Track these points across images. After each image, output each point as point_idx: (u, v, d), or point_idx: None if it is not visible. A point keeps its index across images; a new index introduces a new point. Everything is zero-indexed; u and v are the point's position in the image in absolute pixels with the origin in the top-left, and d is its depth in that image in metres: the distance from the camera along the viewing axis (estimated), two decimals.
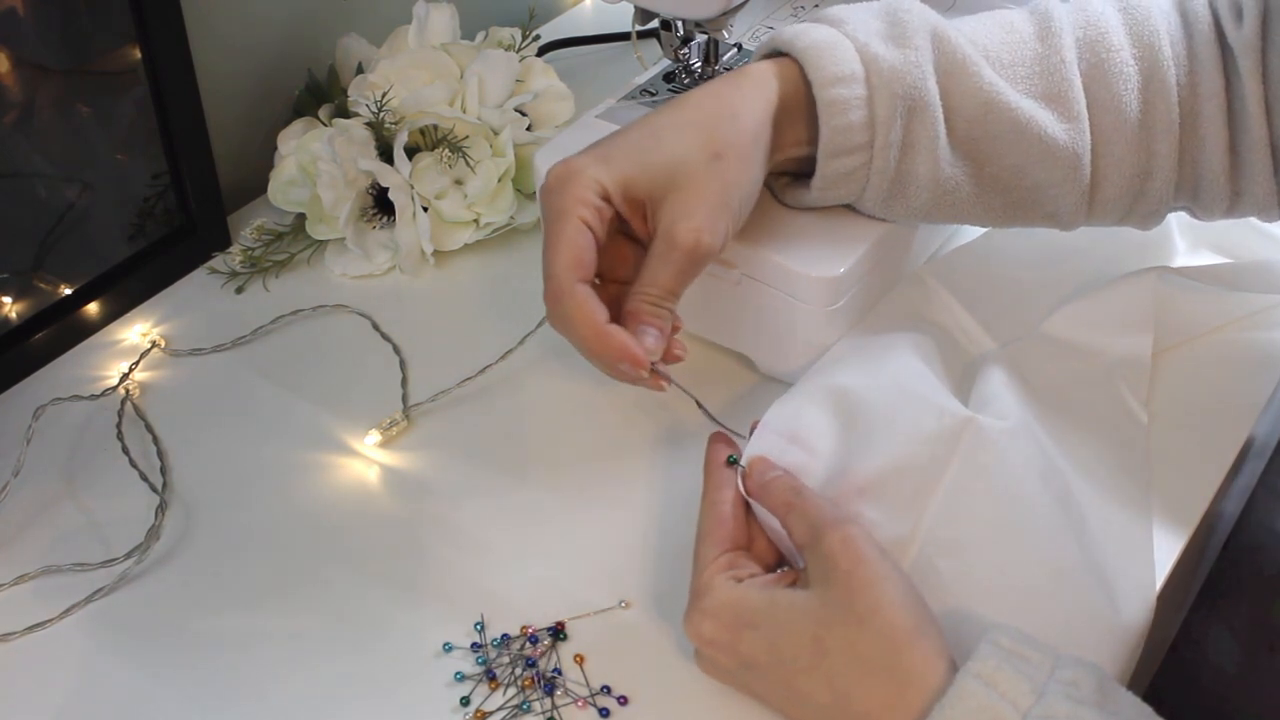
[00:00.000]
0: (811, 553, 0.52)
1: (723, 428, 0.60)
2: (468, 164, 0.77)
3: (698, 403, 0.61)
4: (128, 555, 0.62)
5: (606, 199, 0.57)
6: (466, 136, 0.77)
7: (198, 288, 0.78)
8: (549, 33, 1.00)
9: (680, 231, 0.56)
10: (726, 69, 0.75)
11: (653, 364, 0.57)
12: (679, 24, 0.72)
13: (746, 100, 0.59)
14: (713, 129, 0.57)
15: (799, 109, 0.61)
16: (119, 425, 0.69)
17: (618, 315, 0.57)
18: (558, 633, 0.58)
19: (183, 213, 0.78)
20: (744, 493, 0.56)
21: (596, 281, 0.58)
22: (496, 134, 0.79)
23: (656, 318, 0.57)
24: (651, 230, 0.57)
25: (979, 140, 0.61)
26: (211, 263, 0.79)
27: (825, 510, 0.53)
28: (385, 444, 0.68)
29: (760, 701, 0.53)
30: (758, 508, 0.56)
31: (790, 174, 0.65)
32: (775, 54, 0.62)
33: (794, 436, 0.59)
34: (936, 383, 0.62)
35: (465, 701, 0.55)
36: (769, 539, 0.56)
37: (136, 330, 0.75)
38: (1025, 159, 0.61)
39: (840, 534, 0.51)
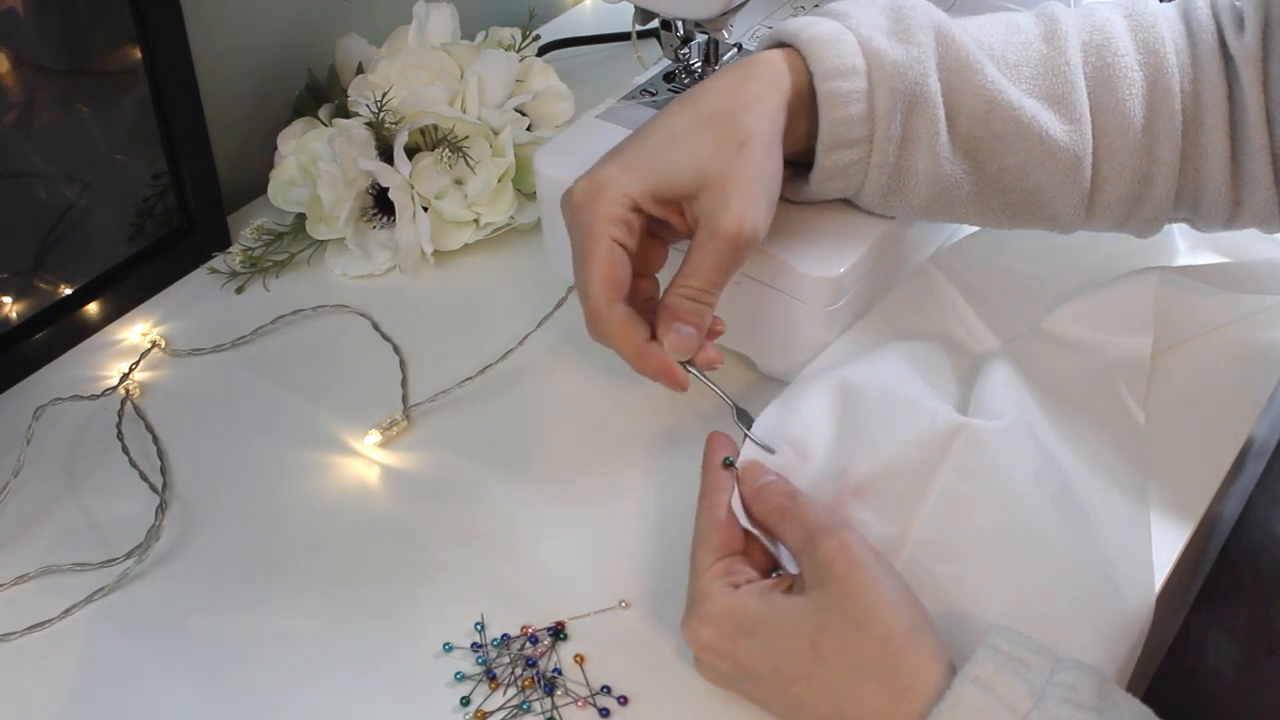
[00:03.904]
0: (807, 558, 0.52)
1: (757, 443, 0.58)
2: (468, 164, 0.77)
3: (734, 409, 0.60)
4: (128, 555, 0.62)
5: (636, 209, 0.57)
6: (466, 136, 0.77)
7: (198, 288, 0.78)
8: (549, 33, 1.00)
9: (721, 221, 0.55)
10: (727, 66, 0.74)
11: (684, 364, 0.58)
12: (679, 24, 0.72)
13: (762, 91, 0.59)
14: (733, 120, 0.57)
15: (803, 101, 0.61)
16: (119, 425, 0.69)
17: (652, 310, 0.58)
18: (558, 633, 0.58)
19: (183, 213, 0.78)
20: (737, 500, 0.56)
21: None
22: (496, 134, 0.79)
23: (693, 314, 0.57)
24: (692, 224, 0.57)
25: (980, 139, 0.61)
26: (211, 263, 0.79)
27: (820, 515, 0.53)
28: (385, 444, 0.68)
29: (761, 707, 0.53)
30: (742, 519, 0.55)
31: (790, 165, 0.65)
32: (778, 45, 0.62)
33: (787, 438, 0.59)
34: (926, 389, 0.62)
35: (465, 701, 0.55)
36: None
37: (136, 330, 0.75)
38: (1026, 159, 0.61)
39: (836, 539, 0.51)
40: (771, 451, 0.58)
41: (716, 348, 0.59)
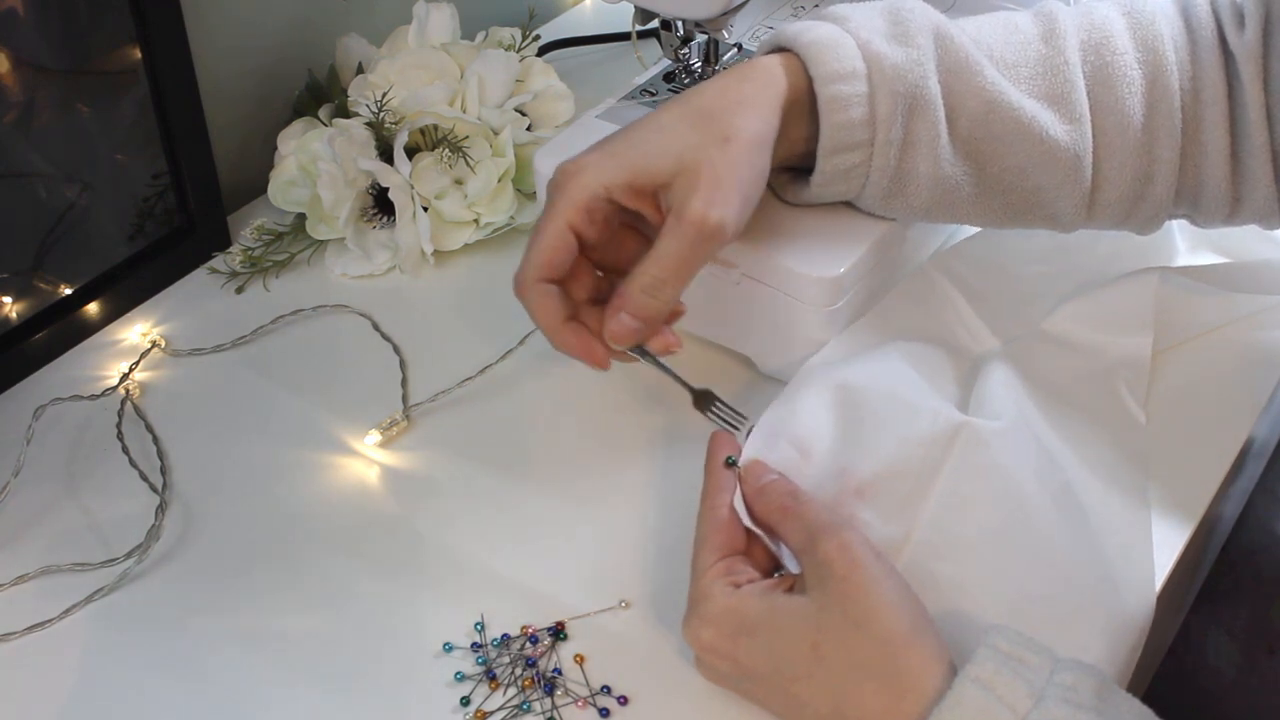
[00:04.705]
0: (808, 558, 0.52)
1: (723, 425, 0.59)
2: (468, 164, 0.77)
3: (691, 392, 0.61)
4: (128, 555, 0.62)
5: (609, 196, 0.57)
6: (466, 136, 0.77)
7: (198, 288, 0.78)
8: (549, 33, 1.00)
9: (688, 207, 0.55)
10: (726, 69, 0.74)
11: (644, 349, 0.58)
12: (679, 24, 0.72)
13: (756, 92, 0.59)
14: (721, 117, 0.57)
15: (802, 105, 0.61)
16: (119, 425, 0.69)
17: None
18: (558, 633, 0.58)
19: (183, 213, 0.78)
20: (739, 499, 0.56)
21: (599, 274, 0.59)
22: (496, 134, 0.79)
23: (641, 308, 0.56)
24: (665, 215, 0.57)
25: (981, 140, 0.61)
26: (211, 263, 0.79)
27: (822, 515, 0.53)
28: (385, 444, 0.68)
29: (761, 707, 0.53)
30: (745, 518, 0.55)
31: (790, 169, 0.65)
32: (778, 50, 0.62)
33: (789, 437, 0.59)
34: (927, 389, 0.62)
35: (465, 701, 0.55)
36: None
37: (136, 330, 0.75)
38: (1026, 160, 0.61)
39: (837, 540, 0.51)
40: (736, 429, 0.59)
41: (675, 333, 0.59)
